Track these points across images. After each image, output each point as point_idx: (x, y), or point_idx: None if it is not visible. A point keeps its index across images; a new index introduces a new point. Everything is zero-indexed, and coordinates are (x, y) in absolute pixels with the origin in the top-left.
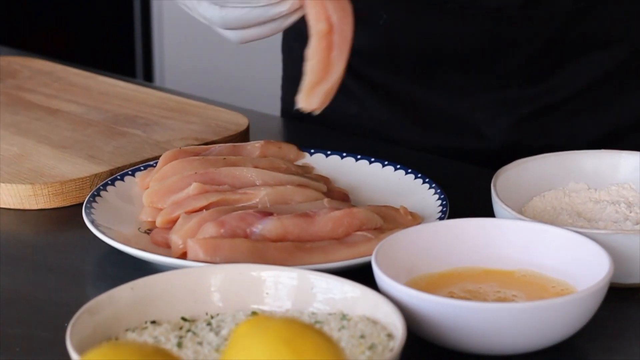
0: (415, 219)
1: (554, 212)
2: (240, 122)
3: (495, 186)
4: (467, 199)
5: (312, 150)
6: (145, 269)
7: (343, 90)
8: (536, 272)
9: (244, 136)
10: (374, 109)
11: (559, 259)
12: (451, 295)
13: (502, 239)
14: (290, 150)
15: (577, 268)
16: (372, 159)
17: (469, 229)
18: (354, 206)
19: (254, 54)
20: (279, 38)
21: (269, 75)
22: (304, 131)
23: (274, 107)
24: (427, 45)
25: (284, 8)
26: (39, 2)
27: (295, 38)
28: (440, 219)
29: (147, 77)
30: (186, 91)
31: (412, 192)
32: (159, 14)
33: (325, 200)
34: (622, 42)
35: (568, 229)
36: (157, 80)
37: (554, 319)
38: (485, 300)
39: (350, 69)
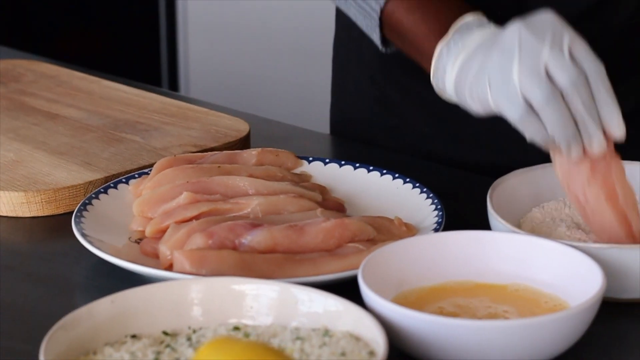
0: (410, 230)
1: (553, 223)
2: (240, 128)
3: (491, 198)
4: (469, 209)
5: (311, 158)
6: (134, 279)
7: (384, 101)
8: (529, 287)
9: (244, 142)
10: (415, 121)
11: (552, 273)
12: (440, 311)
13: (495, 253)
14: (288, 158)
15: (571, 283)
16: (371, 168)
17: (461, 241)
18: (348, 216)
19: (279, 63)
20: (311, 51)
21: (295, 85)
22: (346, 146)
23: (292, 116)
24: None
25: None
26: (64, 10)
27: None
28: (436, 230)
29: (173, 86)
30: (209, 100)
31: (409, 202)
32: (184, 22)
33: (319, 210)
34: None
35: (562, 243)
36: (182, 89)
37: (543, 336)
38: (475, 315)
39: (393, 79)
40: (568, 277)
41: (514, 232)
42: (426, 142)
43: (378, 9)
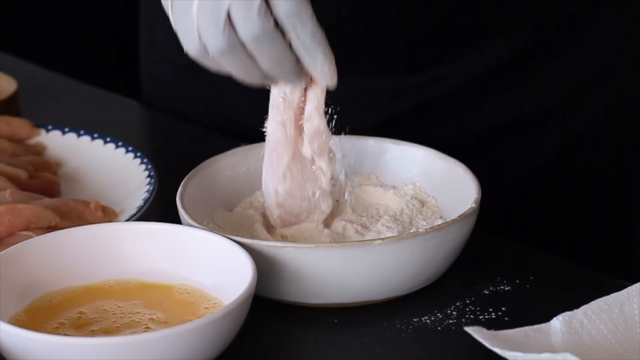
0: (107, 215)
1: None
2: (4, 88)
3: (185, 186)
4: None
5: (50, 127)
6: None
7: (195, 69)
8: (196, 289)
9: (10, 103)
10: (228, 93)
11: (217, 274)
12: (78, 317)
13: (164, 248)
14: (22, 127)
15: (232, 285)
16: (108, 139)
17: (124, 234)
18: (40, 199)
19: None
20: None
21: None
22: (153, 117)
23: None
24: None
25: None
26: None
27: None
28: (131, 217)
29: None
30: None
31: (134, 179)
32: None
33: (8, 191)
34: (519, 29)
35: (230, 240)
36: None
37: (152, 356)
38: (113, 323)
39: None
40: (231, 280)
41: (191, 225)
42: (242, 115)
43: None
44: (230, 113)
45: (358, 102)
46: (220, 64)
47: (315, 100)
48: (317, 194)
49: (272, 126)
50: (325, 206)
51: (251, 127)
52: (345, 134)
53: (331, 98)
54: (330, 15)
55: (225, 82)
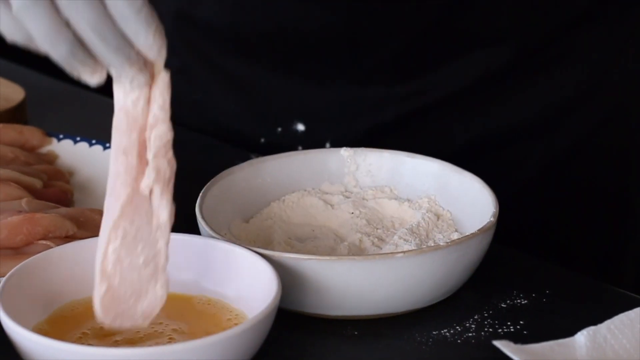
0: None
1: (283, 223)
2: (11, 97)
3: (203, 197)
4: None
5: (61, 136)
6: None
7: (185, 72)
8: (217, 300)
9: (17, 112)
10: (219, 97)
11: (239, 286)
12: (101, 327)
13: (184, 258)
14: (33, 135)
15: (255, 297)
16: None
17: None
18: (56, 208)
19: None
20: None
21: None
22: None
23: None
24: (278, 29)
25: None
26: None
27: None
28: None
29: None
30: None
31: None
32: None
33: (24, 200)
34: (505, 42)
35: (253, 252)
36: None
37: None
38: (135, 335)
39: (194, 49)
40: (253, 291)
41: (211, 237)
42: (232, 120)
43: None
44: (220, 118)
45: (343, 111)
46: (21, 19)
47: (161, 98)
48: (149, 266)
49: (113, 157)
50: (160, 287)
51: (240, 132)
52: (330, 145)
53: (315, 107)
54: (315, 24)
55: (216, 87)
